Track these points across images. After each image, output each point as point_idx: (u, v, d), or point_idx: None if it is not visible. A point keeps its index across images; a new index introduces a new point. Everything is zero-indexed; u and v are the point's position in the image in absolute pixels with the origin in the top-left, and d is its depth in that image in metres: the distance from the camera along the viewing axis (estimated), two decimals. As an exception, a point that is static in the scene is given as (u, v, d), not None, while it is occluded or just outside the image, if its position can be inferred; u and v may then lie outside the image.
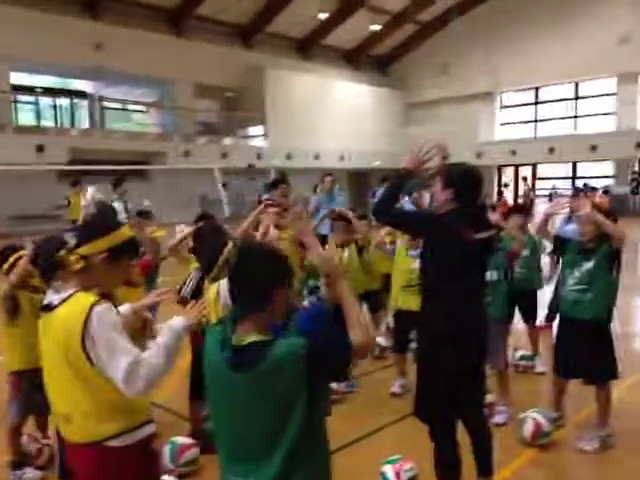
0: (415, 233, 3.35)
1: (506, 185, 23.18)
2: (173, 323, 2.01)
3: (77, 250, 1.91)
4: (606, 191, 17.50)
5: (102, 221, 2.14)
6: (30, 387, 3.00)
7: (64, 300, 1.87)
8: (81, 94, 21.55)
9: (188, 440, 3.41)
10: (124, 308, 2.29)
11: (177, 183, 17.90)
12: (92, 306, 1.81)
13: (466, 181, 2.81)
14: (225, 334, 1.67)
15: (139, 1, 20.01)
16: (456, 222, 2.72)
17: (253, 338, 1.62)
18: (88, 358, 1.80)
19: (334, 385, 4.22)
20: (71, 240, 1.97)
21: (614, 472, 3.37)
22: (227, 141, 22.30)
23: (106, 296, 1.95)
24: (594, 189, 17.28)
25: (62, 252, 1.91)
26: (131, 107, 23.45)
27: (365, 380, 4.71)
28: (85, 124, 20.51)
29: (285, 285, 1.72)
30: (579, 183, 22.23)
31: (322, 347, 1.63)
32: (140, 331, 2.69)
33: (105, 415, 1.86)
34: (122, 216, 7.60)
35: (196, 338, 3.27)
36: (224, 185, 18.37)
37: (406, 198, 8.17)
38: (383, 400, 4.37)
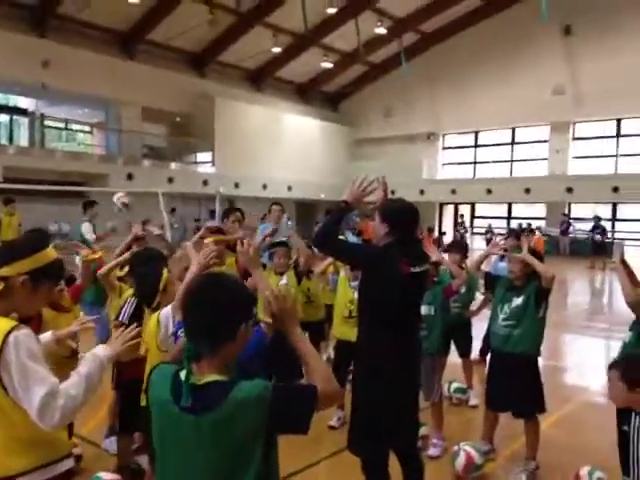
0: (354, 264, 3.40)
1: (444, 233, 23.86)
2: (97, 352, 1.92)
3: None
4: (537, 230, 18.41)
5: (25, 242, 2.00)
6: None
7: None
8: (22, 111, 20.83)
9: (114, 475, 3.25)
10: (45, 336, 2.19)
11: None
12: (9, 332, 1.70)
13: (401, 216, 2.90)
14: (177, 372, 1.53)
15: (91, 22, 19.77)
16: (393, 255, 2.79)
17: (212, 378, 1.49)
18: (2, 386, 1.69)
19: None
20: None
21: (541, 504, 3.46)
22: (173, 166, 22.05)
23: (32, 320, 1.85)
24: (532, 230, 18.20)
25: None
26: (75, 127, 22.84)
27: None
28: (24, 142, 19.79)
29: (250, 319, 1.59)
30: (514, 223, 23.36)
31: (288, 393, 1.52)
32: (69, 360, 2.57)
33: (17, 448, 1.74)
34: (92, 237, 7.70)
35: (127, 369, 3.15)
36: (172, 210, 18.04)
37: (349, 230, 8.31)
38: (320, 434, 4.32)
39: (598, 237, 18.69)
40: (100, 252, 3.43)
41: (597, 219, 19.78)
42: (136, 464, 3.36)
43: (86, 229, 7.92)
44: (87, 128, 23.03)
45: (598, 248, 17.97)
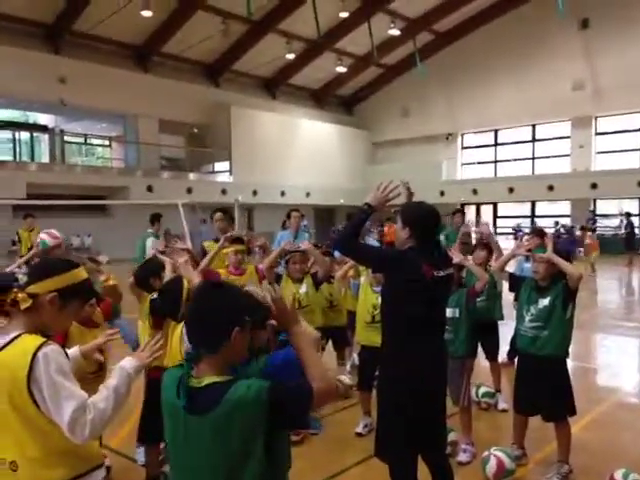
0: (376, 267, 3.34)
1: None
2: (124, 364, 1.94)
3: (26, 288, 1.84)
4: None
5: (56, 260, 2.05)
6: None
7: (9, 342, 1.79)
8: (42, 128, 21.29)
9: (143, 486, 3.26)
10: (72, 351, 2.21)
11: (140, 218, 17.67)
12: (38, 348, 1.74)
13: (423, 220, 2.86)
14: (182, 375, 1.61)
15: (105, 37, 20.10)
16: (415, 259, 2.74)
17: (211, 380, 1.57)
18: (34, 402, 1.73)
19: (297, 425, 4.13)
20: (23, 277, 1.89)
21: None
22: (192, 176, 22.27)
23: (57, 335, 1.86)
24: (583, 228, 17.76)
25: (13, 289, 1.83)
26: (94, 141, 23.25)
27: (330, 420, 4.61)
28: (45, 158, 20.19)
29: (246, 326, 1.64)
30: (539, 222, 23.03)
31: (284, 393, 1.56)
32: (97, 374, 2.59)
33: (53, 461, 1.78)
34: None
35: (152, 380, 3.17)
36: (204, 221, 18.23)
37: (371, 234, 8.24)
38: (347, 441, 4.27)
39: (626, 232, 18.36)
40: (113, 279, 3.47)
41: (627, 215, 19.47)
42: (165, 474, 3.35)
43: (152, 244, 7.72)
44: (106, 142, 23.42)
45: (629, 244, 17.63)
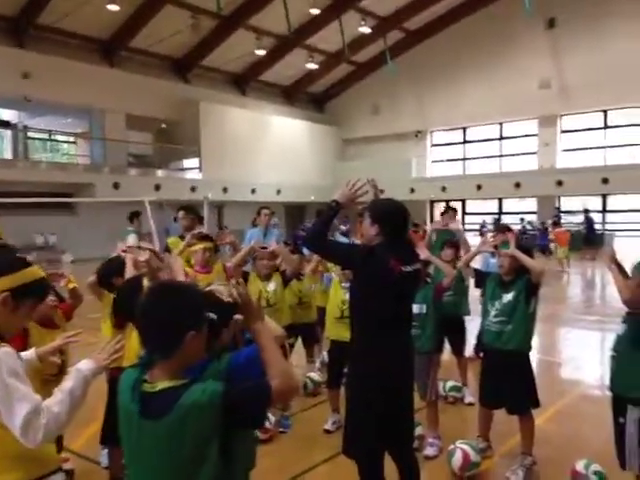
0: (344, 263, 3.34)
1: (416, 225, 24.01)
2: (80, 366, 1.88)
3: None
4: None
5: (7, 259, 1.97)
6: None
7: None
8: (4, 123, 20.67)
9: (106, 490, 3.19)
10: (28, 353, 2.15)
11: (106, 216, 17.34)
12: None
13: (391, 217, 2.87)
14: (137, 378, 1.58)
15: (70, 31, 19.63)
16: (383, 255, 2.75)
17: (165, 384, 1.53)
18: None
19: (266, 424, 4.10)
20: None
21: (540, 501, 3.43)
22: (160, 173, 21.94)
23: (16, 337, 1.81)
24: (556, 224, 18.22)
25: None
26: (59, 137, 22.69)
27: (299, 418, 4.61)
28: (7, 155, 19.63)
29: (202, 328, 1.61)
30: (505, 219, 23.50)
31: (240, 394, 1.54)
32: (57, 377, 2.52)
33: (7, 465, 1.75)
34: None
35: (114, 381, 3.10)
36: (175, 219, 17.93)
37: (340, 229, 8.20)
38: (316, 438, 4.27)
39: (585, 228, 18.98)
40: (72, 281, 3.39)
41: (585, 211, 20.05)
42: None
43: (133, 241, 7.66)
44: (71, 138, 22.88)
45: (587, 240, 18.19)
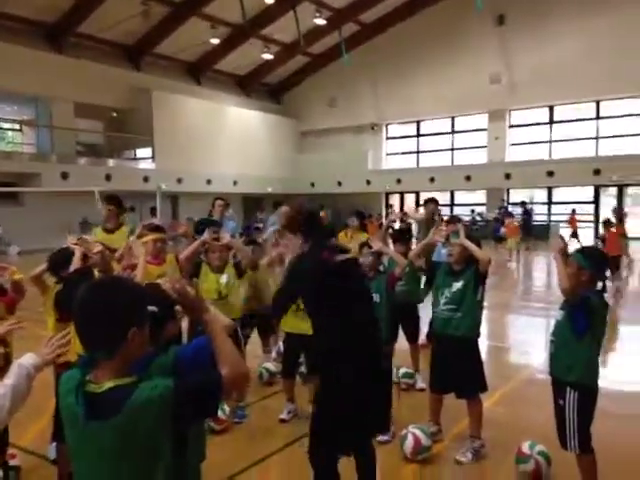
0: (306, 295, 3.09)
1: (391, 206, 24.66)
2: (23, 361, 1.84)
3: None
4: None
5: None
6: None
7: None
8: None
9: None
10: None
11: (54, 207, 16.77)
12: None
13: (311, 221, 3.00)
14: (80, 379, 1.51)
15: (15, 15, 18.76)
16: (313, 254, 2.86)
17: (111, 383, 1.48)
18: None
19: (221, 415, 4.10)
20: None
21: (487, 480, 3.58)
22: (111, 163, 21.33)
23: None
24: (510, 214, 19.06)
25: None
26: (3, 125, 21.68)
27: (254, 408, 4.62)
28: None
29: (144, 324, 1.57)
30: (457, 210, 24.09)
31: (190, 387, 1.52)
32: (2, 369, 2.46)
33: None
34: None
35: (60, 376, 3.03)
36: (132, 209, 17.53)
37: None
38: (271, 428, 4.30)
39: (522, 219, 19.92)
40: (18, 273, 3.28)
41: (522, 203, 21.41)
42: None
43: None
44: (16, 126, 21.92)
45: (526, 230, 19.03)
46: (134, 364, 1.55)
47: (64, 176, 18.79)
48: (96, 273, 2.87)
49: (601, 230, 12.32)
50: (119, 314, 1.52)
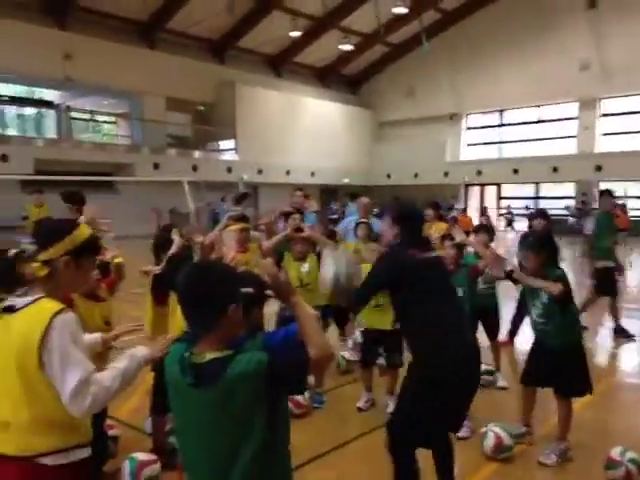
0: (388, 287, 3.15)
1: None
2: (136, 352, 1.99)
3: (37, 257, 1.86)
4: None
5: (57, 224, 2.06)
6: None
7: (28, 304, 1.82)
8: (48, 104, 21.19)
9: (149, 456, 3.34)
10: (93, 337, 2.29)
11: (146, 196, 17.73)
12: (56, 313, 1.77)
13: (410, 218, 3.04)
14: (184, 350, 1.66)
15: (110, 13, 19.93)
16: (401, 250, 2.91)
17: (212, 355, 1.61)
18: (40, 364, 1.74)
19: (301, 399, 4.23)
20: (29, 247, 1.91)
21: (572, 485, 3.46)
22: (197, 154, 22.22)
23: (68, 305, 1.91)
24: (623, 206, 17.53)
25: (23, 262, 1.86)
26: (100, 118, 23.17)
27: (332, 395, 4.72)
28: (52, 134, 20.16)
29: (240, 302, 1.69)
30: (542, 203, 23.03)
31: (282, 362, 1.62)
32: (99, 355, 2.66)
33: (40, 429, 1.79)
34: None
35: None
36: (208, 204, 18.36)
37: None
38: (349, 415, 4.38)
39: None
40: (119, 257, 3.53)
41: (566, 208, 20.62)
42: (171, 444, 3.46)
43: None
44: (112, 119, 23.34)
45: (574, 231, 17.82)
46: (232, 340, 1.67)
47: (155, 166, 19.83)
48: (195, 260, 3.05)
49: None
50: (220, 291, 1.66)
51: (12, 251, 1.98)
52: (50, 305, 1.81)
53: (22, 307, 1.81)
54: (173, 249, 3.42)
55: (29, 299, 1.83)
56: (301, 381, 1.74)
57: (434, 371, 2.73)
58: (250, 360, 1.57)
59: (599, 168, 22.02)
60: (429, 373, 2.75)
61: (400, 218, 3.00)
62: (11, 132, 19.20)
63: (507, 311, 5.49)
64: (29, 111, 20.09)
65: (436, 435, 2.88)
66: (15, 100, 20.34)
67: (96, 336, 2.35)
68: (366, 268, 4.50)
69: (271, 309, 3.49)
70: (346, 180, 25.85)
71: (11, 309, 1.83)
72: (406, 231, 2.96)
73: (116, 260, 3.59)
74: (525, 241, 3.60)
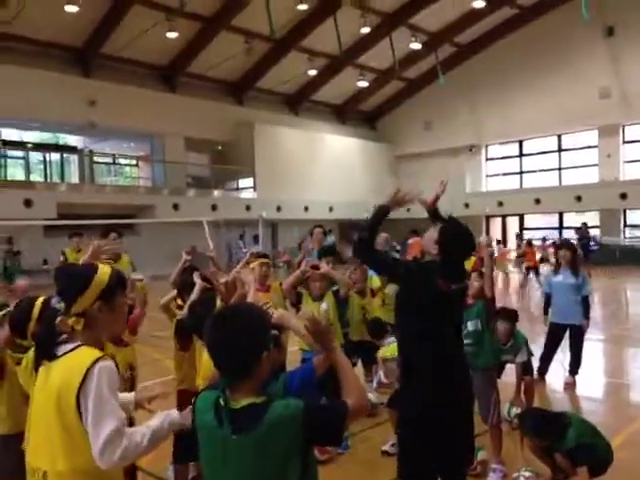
0: (391, 276, 3.34)
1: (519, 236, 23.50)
2: (171, 414, 1.97)
3: (71, 311, 1.86)
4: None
5: (76, 274, 2.04)
6: (4, 451, 2.82)
7: (68, 351, 1.84)
8: (71, 149, 21.79)
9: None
10: (128, 396, 2.27)
11: (166, 236, 17.95)
12: (96, 361, 1.78)
13: (456, 244, 2.85)
14: (218, 398, 1.64)
15: (132, 59, 20.61)
16: (431, 272, 2.77)
17: (248, 401, 1.60)
18: (78, 411, 1.75)
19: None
20: (58, 305, 1.88)
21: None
22: (216, 194, 22.52)
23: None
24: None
25: (57, 319, 1.86)
26: (121, 161, 23.75)
27: (356, 439, 4.56)
28: (75, 178, 20.67)
29: (270, 347, 1.68)
30: (566, 233, 22.64)
31: (319, 411, 1.62)
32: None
33: (77, 479, 1.78)
34: None
35: (187, 400, 3.18)
36: (241, 237, 18.56)
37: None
38: (376, 460, 4.21)
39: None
40: (145, 288, 3.52)
41: (578, 229, 20.19)
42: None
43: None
44: (133, 162, 23.89)
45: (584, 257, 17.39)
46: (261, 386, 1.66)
47: (175, 207, 20.11)
48: (218, 302, 2.99)
49: None
50: (256, 339, 1.64)
51: (47, 313, 1.97)
52: (90, 352, 1.83)
53: (63, 354, 1.84)
54: (195, 295, 3.38)
55: (70, 346, 1.85)
56: (339, 432, 1.67)
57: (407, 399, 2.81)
58: (288, 406, 1.58)
59: (624, 196, 21.67)
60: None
61: (445, 239, 2.80)
62: (35, 177, 19.72)
63: (536, 349, 5.29)
64: (54, 157, 20.67)
65: (426, 466, 2.75)
66: (39, 147, 20.96)
67: (130, 397, 2.31)
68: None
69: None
70: (365, 215, 25.83)
71: (52, 357, 1.86)
72: (446, 254, 2.78)
73: (139, 284, 3.56)
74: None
